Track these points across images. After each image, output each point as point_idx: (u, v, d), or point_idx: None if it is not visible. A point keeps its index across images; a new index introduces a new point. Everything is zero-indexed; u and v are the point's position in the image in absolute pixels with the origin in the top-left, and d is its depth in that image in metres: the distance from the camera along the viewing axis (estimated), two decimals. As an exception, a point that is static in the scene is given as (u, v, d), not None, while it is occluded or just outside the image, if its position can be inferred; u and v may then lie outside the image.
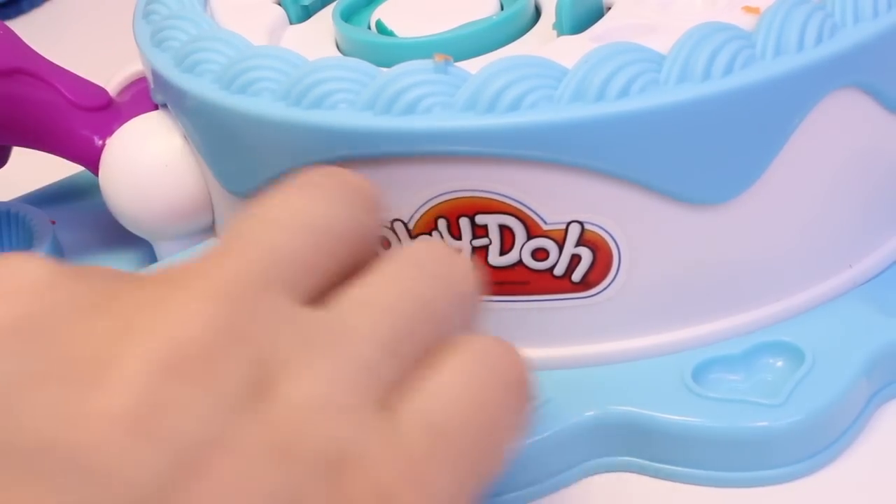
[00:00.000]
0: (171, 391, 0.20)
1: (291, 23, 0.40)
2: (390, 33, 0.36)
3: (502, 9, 0.37)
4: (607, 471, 0.33)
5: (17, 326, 0.21)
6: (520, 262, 0.33)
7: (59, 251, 0.43)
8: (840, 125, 0.33)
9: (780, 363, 0.34)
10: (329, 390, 0.22)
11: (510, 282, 0.33)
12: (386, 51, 0.35)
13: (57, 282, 0.22)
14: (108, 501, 0.19)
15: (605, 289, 0.33)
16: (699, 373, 0.33)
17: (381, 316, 0.23)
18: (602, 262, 0.33)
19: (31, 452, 0.19)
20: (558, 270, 0.33)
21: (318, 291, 0.24)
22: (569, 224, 0.32)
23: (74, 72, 0.42)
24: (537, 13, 0.37)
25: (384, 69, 0.33)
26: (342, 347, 0.22)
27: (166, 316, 0.21)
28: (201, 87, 0.35)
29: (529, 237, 0.32)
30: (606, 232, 0.32)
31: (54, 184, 0.48)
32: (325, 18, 0.39)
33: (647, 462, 0.33)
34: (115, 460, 0.19)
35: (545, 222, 0.32)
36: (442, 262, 0.26)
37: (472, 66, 0.32)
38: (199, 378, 0.20)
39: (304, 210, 0.25)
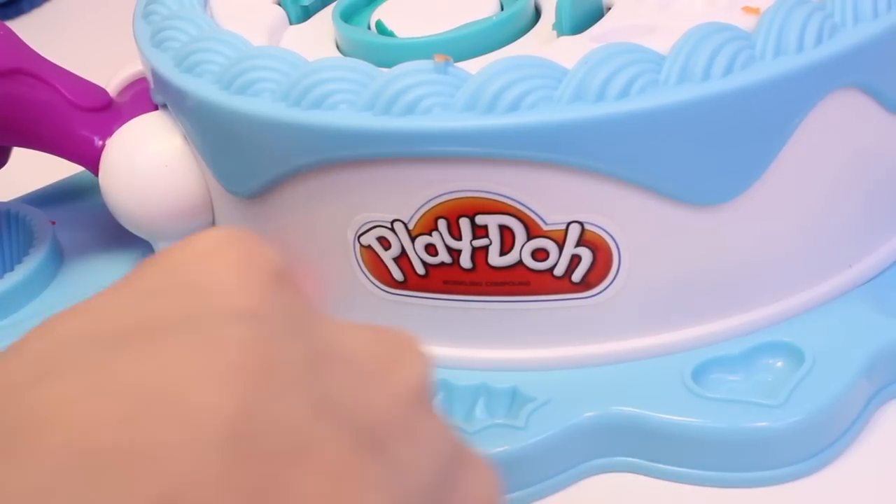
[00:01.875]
0: None
1: (291, 23, 0.40)
2: (390, 34, 0.36)
3: (502, 9, 0.37)
4: (607, 471, 0.33)
5: None
6: (520, 263, 0.33)
7: (58, 251, 0.43)
8: (840, 126, 0.33)
9: (779, 363, 0.34)
10: None
11: (510, 282, 0.33)
12: (386, 51, 0.35)
13: None
14: None
15: (605, 289, 0.33)
16: (699, 373, 0.33)
17: None
18: (602, 262, 0.33)
19: None
20: (558, 271, 0.33)
21: None
22: (569, 224, 0.32)
23: (74, 72, 0.42)
24: (537, 13, 0.37)
25: (384, 69, 0.33)
26: None
27: None
28: (201, 87, 0.35)
29: (529, 237, 0.32)
30: (606, 232, 0.32)
31: (54, 184, 0.48)
32: (324, 19, 0.39)
33: (647, 462, 0.33)
34: None
35: (545, 223, 0.32)
36: None
37: (472, 66, 0.32)
38: None
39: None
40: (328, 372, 0.20)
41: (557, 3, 0.35)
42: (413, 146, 0.32)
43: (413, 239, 0.33)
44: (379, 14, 0.37)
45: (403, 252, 0.34)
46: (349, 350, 0.22)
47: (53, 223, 0.44)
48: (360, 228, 0.34)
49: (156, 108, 0.40)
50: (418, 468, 0.21)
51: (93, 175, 0.41)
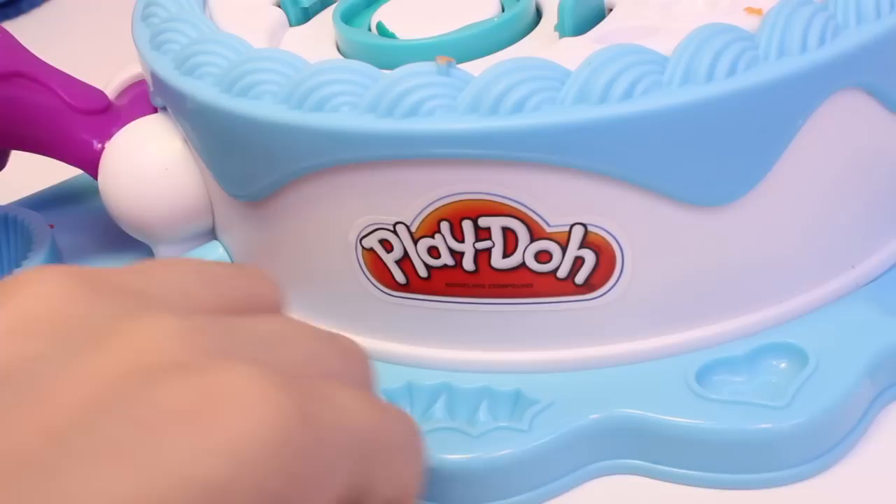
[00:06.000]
0: None
1: (291, 25, 0.40)
2: (391, 35, 0.36)
3: (503, 10, 0.37)
4: (611, 473, 0.33)
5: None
6: (523, 265, 0.33)
7: (57, 255, 0.43)
8: (843, 126, 0.33)
9: (783, 365, 0.34)
10: None
11: (513, 284, 0.33)
12: (387, 53, 0.35)
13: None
14: None
15: (608, 291, 0.33)
16: (703, 375, 0.33)
17: None
18: (605, 264, 0.33)
19: None
20: (562, 273, 0.33)
21: None
22: (572, 226, 0.32)
23: (73, 74, 0.42)
24: (538, 15, 0.37)
25: (386, 72, 0.33)
26: None
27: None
28: (202, 90, 0.35)
29: (532, 239, 0.32)
30: (610, 234, 0.32)
31: (53, 187, 0.48)
32: (325, 20, 0.39)
33: (651, 465, 0.33)
34: None
35: (548, 224, 0.32)
36: None
37: (474, 68, 0.32)
38: None
39: None
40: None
41: (559, 5, 0.35)
42: (416, 148, 0.32)
43: (415, 241, 0.33)
44: (379, 16, 0.37)
45: (406, 254, 0.34)
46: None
47: (52, 227, 0.44)
48: (362, 231, 0.34)
49: (155, 110, 0.40)
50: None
51: (92, 178, 0.41)
